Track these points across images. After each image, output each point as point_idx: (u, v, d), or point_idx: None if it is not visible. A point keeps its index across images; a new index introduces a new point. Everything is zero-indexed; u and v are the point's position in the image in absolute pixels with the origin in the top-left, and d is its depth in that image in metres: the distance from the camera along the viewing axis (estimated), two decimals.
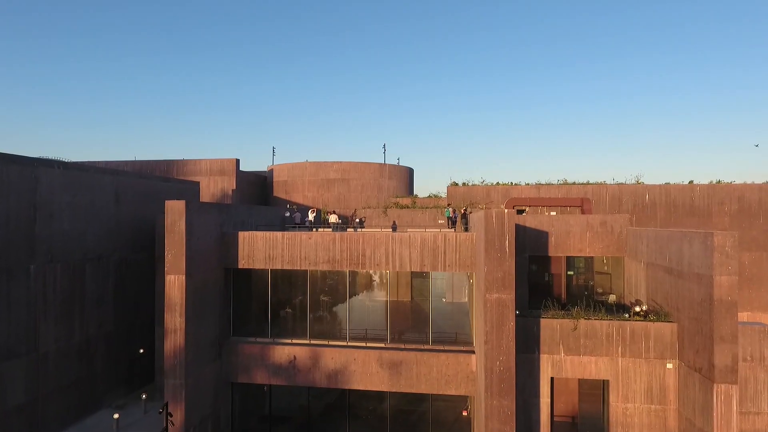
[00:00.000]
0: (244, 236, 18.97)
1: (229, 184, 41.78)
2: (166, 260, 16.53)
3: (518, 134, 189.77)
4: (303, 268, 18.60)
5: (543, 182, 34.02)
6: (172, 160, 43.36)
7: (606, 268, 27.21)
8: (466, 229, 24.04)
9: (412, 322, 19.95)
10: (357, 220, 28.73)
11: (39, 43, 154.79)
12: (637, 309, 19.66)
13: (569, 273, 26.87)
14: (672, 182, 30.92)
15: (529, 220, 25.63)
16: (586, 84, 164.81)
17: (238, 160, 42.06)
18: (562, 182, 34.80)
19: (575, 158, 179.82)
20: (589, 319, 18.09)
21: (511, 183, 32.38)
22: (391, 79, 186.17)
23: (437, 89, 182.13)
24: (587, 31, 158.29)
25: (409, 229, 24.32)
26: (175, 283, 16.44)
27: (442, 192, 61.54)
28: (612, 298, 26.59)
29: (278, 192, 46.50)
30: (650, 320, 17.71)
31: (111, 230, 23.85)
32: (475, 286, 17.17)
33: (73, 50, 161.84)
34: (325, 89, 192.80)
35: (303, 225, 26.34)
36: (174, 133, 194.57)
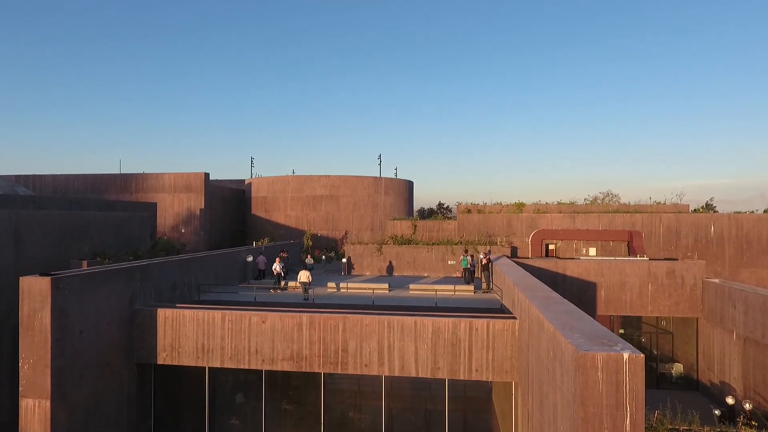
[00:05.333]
0: (165, 316, 12.61)
1: (197, 202, 35.49)
2: (20, 374, 10.17)
3: (523, 138, 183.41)
4: (254, 367, 12.28)
5: (567, 202, 27.75)
6: (131, 174, 37.22)
7: (665, 324, 21.04)
8: (489, 285, 17.76)
9: None
10: (344, 260, 22.55)
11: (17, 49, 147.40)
12: (727, 401, 13.87)
13: (621, 332, 20.71)
14: (742, 211, 24.73)
15: (571, 267, 19.42)
16: (594, 86, 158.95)
17: (207, 174, 35.84)
18: (591, 201, 28.67)
19: (594, 163, 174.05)
20: (677, 431, 12.44)
21: (537, 208, 26.04)
22: (389, 82, 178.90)
23: (438, 91, 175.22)
24: (593, 30, 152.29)
25: (411, 287, 17.93)
26: (32, 414, 10.06)
27: (448, 202, 55.01)
28: (677, 368, 20.37)
29: (257, 210, 40.16)
30: None
31: (6, 285, 17.39)
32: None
33: (34, 53, 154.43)
34: (314, 92, 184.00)
35: (266, 272, 20.03)
36: (139, 142, 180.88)
